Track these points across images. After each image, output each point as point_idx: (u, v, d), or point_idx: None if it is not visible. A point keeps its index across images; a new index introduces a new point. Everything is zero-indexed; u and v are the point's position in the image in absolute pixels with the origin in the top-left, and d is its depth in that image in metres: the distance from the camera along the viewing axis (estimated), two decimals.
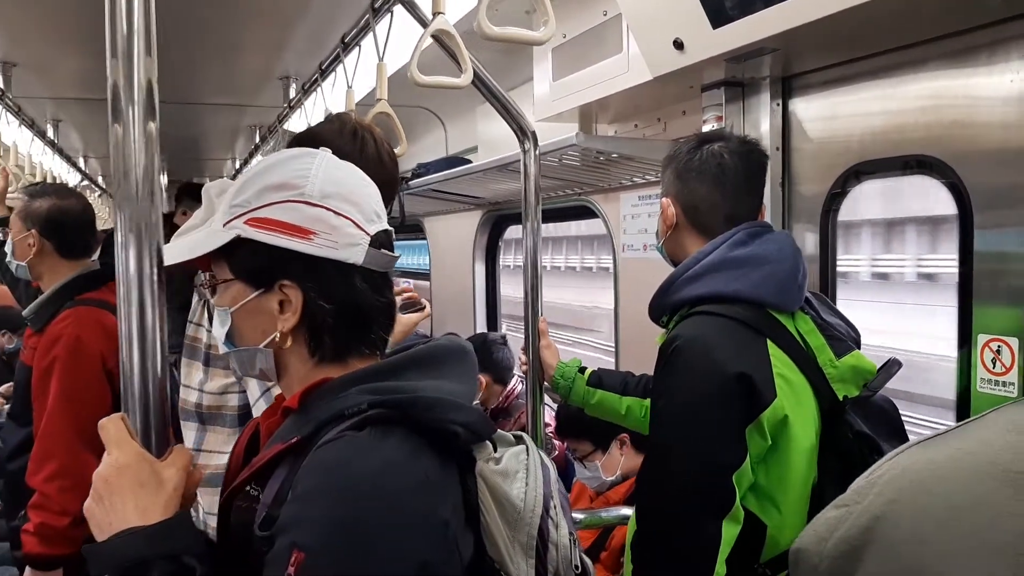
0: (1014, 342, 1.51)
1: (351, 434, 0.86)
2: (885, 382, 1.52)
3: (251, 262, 0.96)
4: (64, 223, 2.35)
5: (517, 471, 0.95)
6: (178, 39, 3.04)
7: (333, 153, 1.03)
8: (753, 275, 1.48)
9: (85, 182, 6.91)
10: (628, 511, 2.21)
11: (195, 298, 1.83)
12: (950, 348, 1.64)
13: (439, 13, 1.72)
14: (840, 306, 1.72)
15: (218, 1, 2.63)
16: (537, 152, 2.01)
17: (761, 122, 2.04)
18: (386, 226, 1.01)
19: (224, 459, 1.26)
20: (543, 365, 2.02)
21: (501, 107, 1.96)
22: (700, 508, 1.37)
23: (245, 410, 1.74)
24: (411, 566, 0.80)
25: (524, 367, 2.07)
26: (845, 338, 1.55)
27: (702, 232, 1.60)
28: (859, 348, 1.56)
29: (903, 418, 1.60)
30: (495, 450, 0.97)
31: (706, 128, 2.07)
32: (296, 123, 3.81)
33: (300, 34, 2.99)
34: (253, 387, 1.67)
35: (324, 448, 0.85)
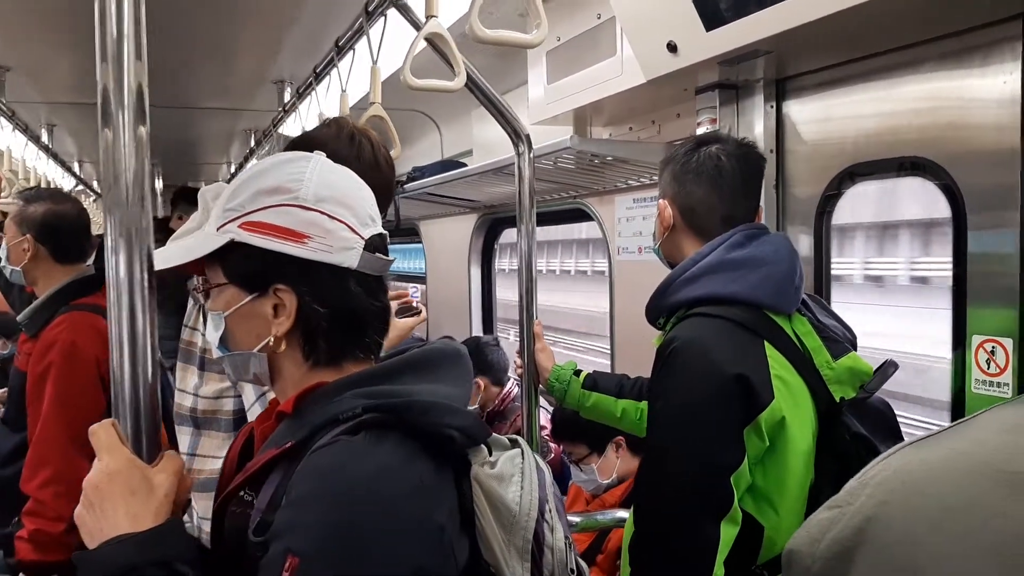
0: (1008, 343, 1.51)
1: (346, 439, 0.85)
2: (882, 384, 1.53)
3: (245, 266, 0.96)
4: (59, 228, 2.34)
5: (512, 475, 0.95)
6: (172, 43, 3.04)
7: (330, 158, 1.03)
8: (750, 277, 1.48)
9: (80, 187, 6.89)
10: (624, 513, 2.21)
11: (190, 302, 1.83)
12: (939, 350, 1.65)
13: (432, 16, 1.72)
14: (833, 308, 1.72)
15: (212, 5, 2.63)
16: (531, 155, 2.02)
17: (755, 124, 2.04)
18: (380, 230, 1.01)
19: (219, 464, 1.26)
20: (538, 368, 2.02)
21: (495, 110, 1.96)
22: (698, 509, 1.37)
23: (240, 414, 1.73)
24: (406, 571, 0.80)
25: (519, 370, 2.07)
26: (842, 340, 1.55)
27: (699, 234, 1.60)
28: (855, 350, 1.56)
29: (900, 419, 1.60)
30: (490, 454, 0.96)
31: (700, 131, 2.07)
32: (291, 127, 3.81)
33: (294, 38, 2.99)
34: (248, 392, 1.67)
35: (319, 453, 0.85)
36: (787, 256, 1.53)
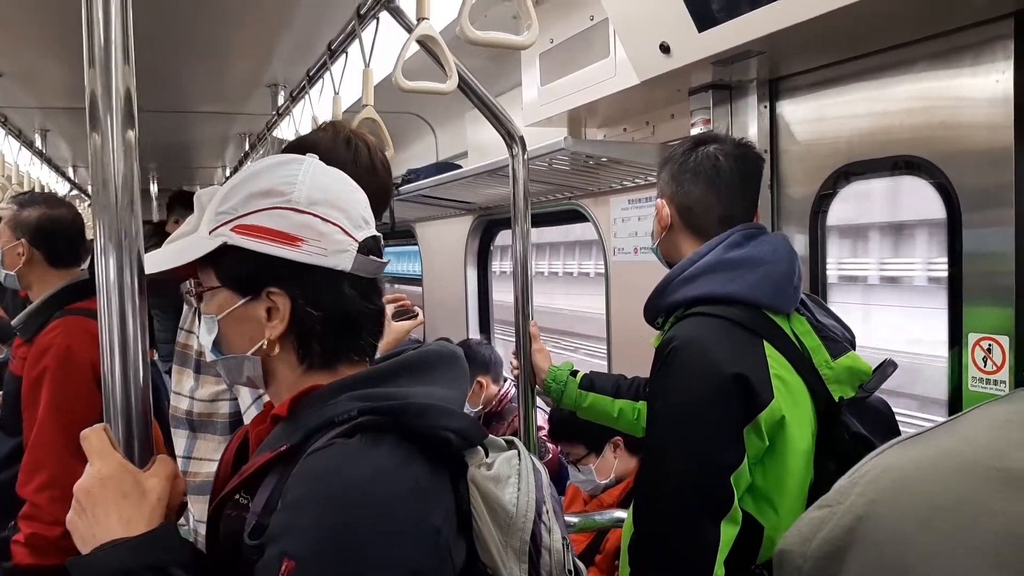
0: (1004, 340, 1.51)
1: (341, 441, 0.85)
2: (881, 383, 1.52)
3: (238, 269, 0.96)
4: (54, 232, 2.34)
5: (509, 476, 0.95)
6: (166, 48, 3.03)
7: (327, 162, 1.03)
8: (749, 276, 1.48)
9: (74, 192, 6.88)
10: (622, 514, 2.21)
11: (186, 305, 1.83)
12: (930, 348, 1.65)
13: (423, 19, 1.72)
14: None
15: (205, 10, 2.63)
16: (525, 157, 2.02)
17: (749, 125, 2.05)
18: (374, 232, 1.01)
19: (215, 467, 1.26)
20: (535, 369, 2.02)
21: (488, 112, 1.96)
22: (698, 508, 1.37)
23: (236, 417, 1.73)
24: (402, 574, 0.80)
25: (516, 371, 2.07)
26: (840, 339, 1.55)
27: (696, 233, 1.60)
28: (854, 349, 1.56)
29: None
30: (487, 455, 0.96)
31: (694, 131, 2.07)
32: (285, 131, 3.81)
33: (287, 41, 2.99)
34: (244, 395, 1.66)
35: (314, 456, 0.85)
36: (786, 256, 1.53)
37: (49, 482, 2.02)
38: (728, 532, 1.37)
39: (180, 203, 4.52)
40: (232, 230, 0.94)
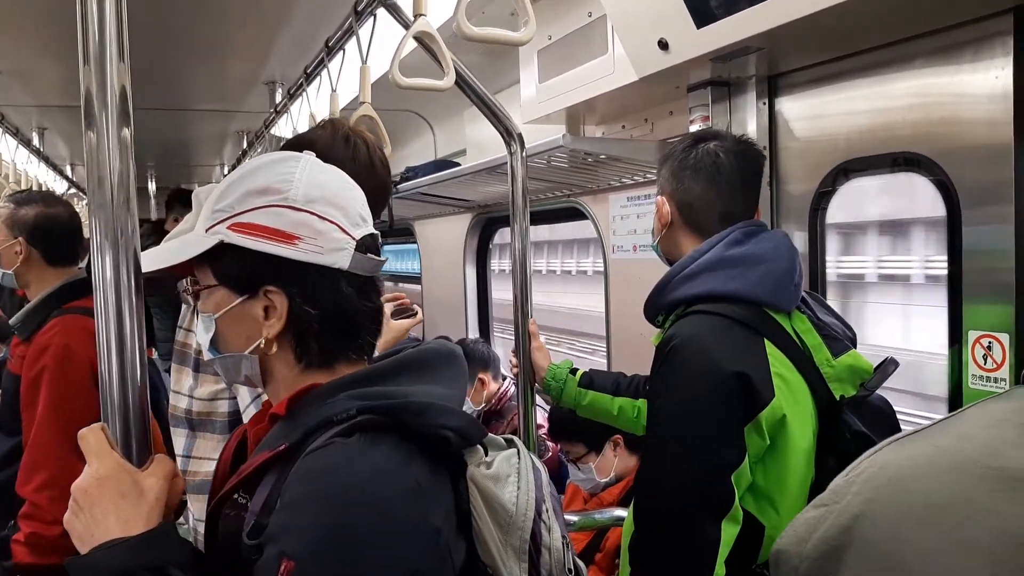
0: (1005, 338, 1.51)
1: (340, 441, 0.85)
2: (882, 382, 1.52)
3: (235, 268, 0.95)
4: (52, 231, 2.33)
5: (509, 475, 0.94)
6: (163, 46, 3.03)
7: (325, 160, 1.02)
8: (750, 274, 1.48)
9: (72, 190, 6.87)
10: (622, 512, 2.20)
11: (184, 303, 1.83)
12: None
13: (420, 15, 1.72)
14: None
15: (203, 8, 2.62)
16: (524, 154, 2.01)
17: (748, 121, 2.04)
18: (372, 230, 1.00)
19: (214, 466, 1.26)
20: (534, 367, 2.02)
21: (487, 109, 1.96)
22: (698, 507, 1.37)
23: (235, 416, 1.73)
24: (402, 574, 0.80)
25: (515, 369, 2.07)
26: (841, 337, 1.54)
27: (696, 231, 1.60)
28: (855, 347, 1.56)
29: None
30: (486, 454, 0.96)
31: (693, 128, 2.07)
32: (282, 128, 3.80)
33: (285, 39, 2.98)
34: (244, 394, 1.66)
35: (313, 455, 0.85)
36: (786, 253, 1.53)
37: (49, 481, 2.02)
38: (729, 531, 1.37)
39: (179, 201, 4.51)
40: (229, 228, 0.94)
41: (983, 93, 1.53)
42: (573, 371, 1.99)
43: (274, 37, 2.97)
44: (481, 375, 3.28)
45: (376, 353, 1.05)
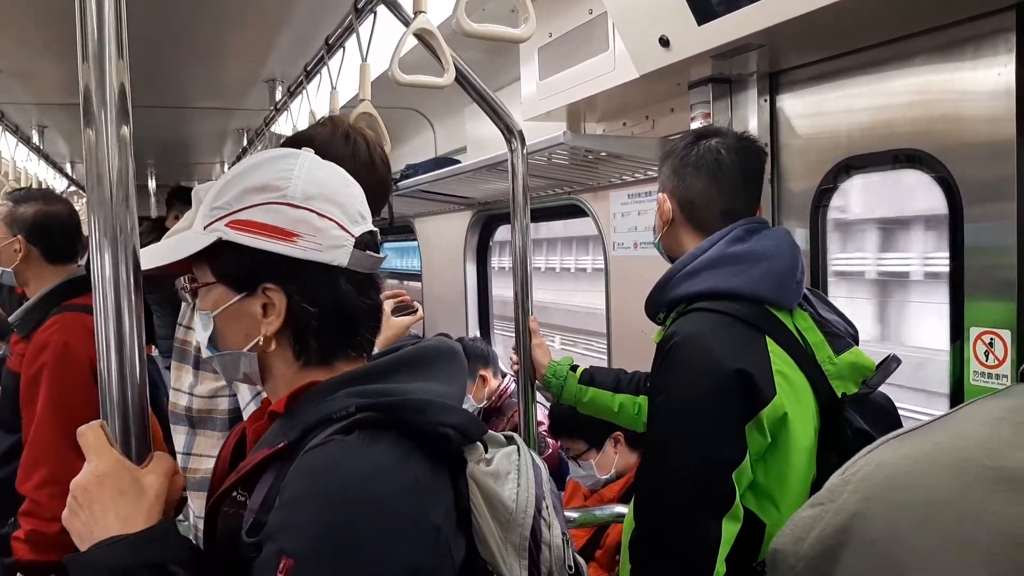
0: (1007, 334, 1.51)
1: (339, 438, 0.84)
2: (884, 379, 1.51)
3: (233, 265, 0.95)
4: (51, 228, 2.33)
5: (508, 472, 0.94)
6: (163, 44, 3.03)
7: (325, 157, 1.02)
8: (751, 271, 1.47)
9: (72, 188, 6.87)
10: (622, 509, 2.20)
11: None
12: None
13: (420, 12, 1.71)
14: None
15: (203, 6, 2.62)
16: (524, 151, 2.01)
17: (749, 118, 2.04)
18: (371, 227, 1.00)
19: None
20: (535, 364, 2.02)
21: (487, 106, 1.95)
22: (699, 504, 1.36)
23: (236, 414, 1.72)
24: (401, 571, 0.79)
25: (516, 366, 2.07)
26: (843, 335, 1.54)
27: (698, 228, 1.59)
28: (857, 344, 1.55)
29: None
30: (486, 451, 0.96)
31: (694, 125, 2.06)
32: (283, 126, 3.80)
33: (284, 36, 2.98)
34: (244, 391, 1.66)
35: (312, 453, 0.84)
36: (788, 250, 1.52)
37: (48, 478, 2.02)
38: (729, 529, 1.36)
39: (180, 199, 4.51)
40: (227, 225, 0.93)
41: (985, 90, 1.53)
42: (573, 368, 1.99)
43: (274, 35, 2.97)
44: (482, 372, 3.28)
45: (376, 350, 1.05)
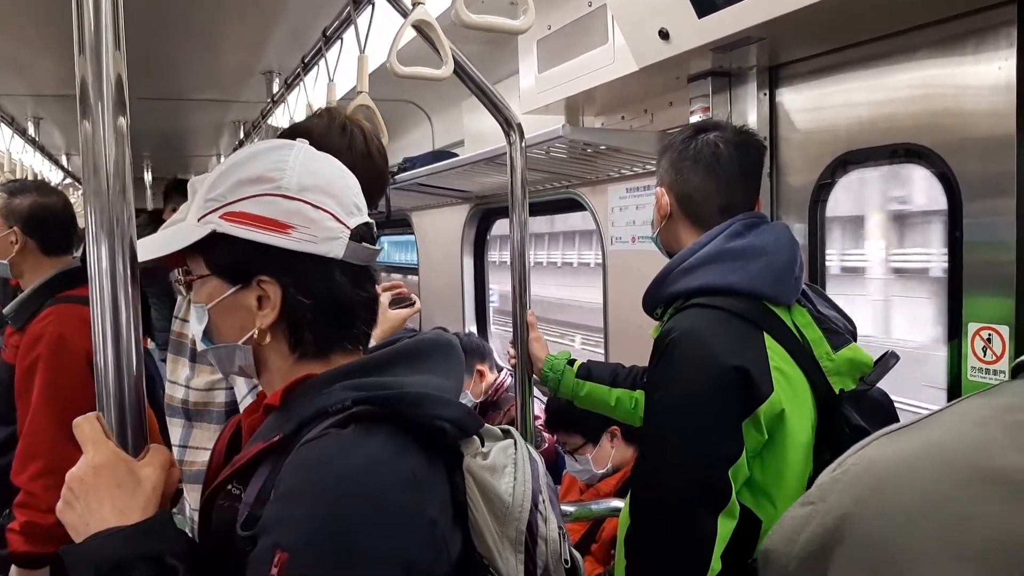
0: (1004, 330, 1.50)
1: (335, 431, 0.84)
2: (882, 376, 1.51)
3: (227, 258, 0.94)
4: (47, 220, 2.32)
5: (505, 466, 0.94)
6: (159, 35, 3.01)
7: (322, 148, 1.01)
8: (750, 267, 1.47)
9: (68, 180, 6.85)
10: (619, 503, 2.20)
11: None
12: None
13: (419, 3, 1.70)
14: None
15: None
16: (523, 144, 2.00)
17: (748, 112, 2.03)
18: (366, 219, 0.99)
19: None
20: (532, 358, 2.01)
21: (486, 99, 1.94)
22: (696, 500, 1.36)
23: (232, 407, 1.72)
24: (397, 565, 0.79)
25: (513, 360, 2.06)
26: (842, 331, 1.53)
27: (696, 222, 1.58)
28: (855, 340, 1.55)
29: None
30: (483, 445, 0.95)
31: (693, 119, 2.06)
32: (280, 118, 3.79)
33: (282, 28, 2.96)
34: (240, 384, 1.66)
35: (307, 446, 0.84)
36: (787, 246, 1.51)
37: (44, 470, 2.02)
38: (725, 526, 1.36)
39: (177, 191, 4.50)
40: (221, 217, 0.92)
41: (985, 84, 1.52)
42: (571, 362, 1.98)
43: (272, 26, 2.95)
44: (479, 367, 3.28)
45: (373, 343, 1.05)
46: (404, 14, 1.83)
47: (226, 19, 2.90)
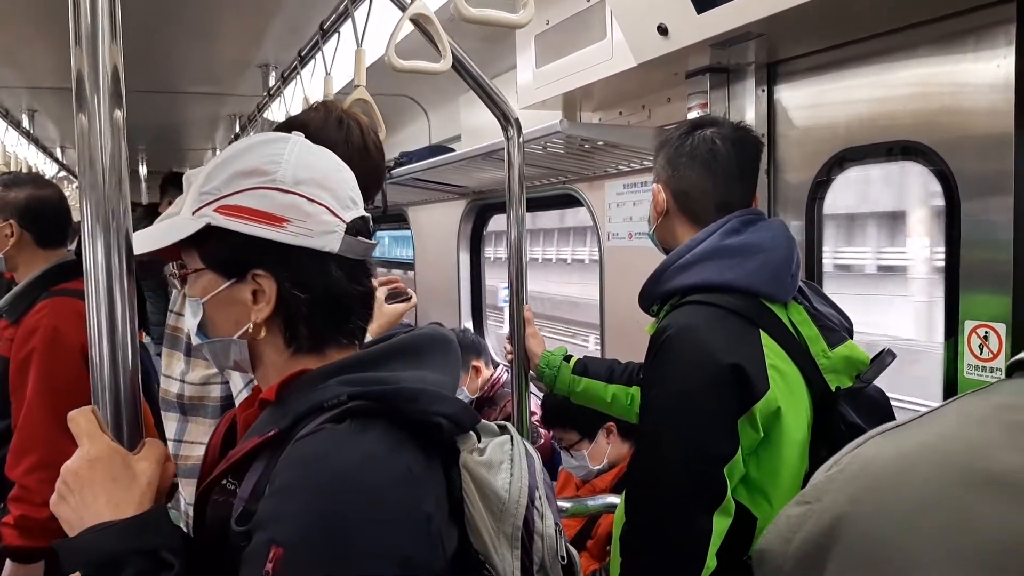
0: (1001, 328, 1.50)
1: (330, 427, 0.84)
2: (878, 373, 1.51)
3: (222, 251, 0.94)
4: (43, 213, 2.31)
5: (502, 462, 0.93)
6: (155, 27, 3.00)
7: (318, 142, 1.00)
8: (746, 264, 1.46)
9: (63, 173, 6.83)
10: (615, 499, 2.20)
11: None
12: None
13: None
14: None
15: None
16: (521, 139, 2.00)
17: (746, 109, 2.03)
18: (362, 212, 0.99)
19: None
20: (528, 354, 2.01)
21: (483, 93, 1.94)
22: (691, 497, 1.36)
23: (228, 401, 1.72)
24: (392, 561, 0.78)
25: (509, 356, 2.06)
26: (838, 328, 1.53)
27: (692, 219, 1.58)
28: (852, 338, 1.55)
29: None
30: (479, 440, 0.95)
31: (691, 115, 2.05)
32: (276, 112, 3.77)
33: (278, 21, 2.95)
34: (236, 378, 1.65)
35: (303, 441, 0.83)
36: (784, 243, 1.51)
37: (38, 464, 2.02)
38: (720, 524, 1.36)
39: (173, 184, 4.49)
40: (216, 211, 0.92)
41: (984, 82, 1.52)
42: (567, 358, 1.98)
43: (268, 19, 2.94)
44: (475, 363, 3.28)
45: (369, 338, 1.04)
46: (402, 8, 1.83)
47: (222, 12, 2.89)
